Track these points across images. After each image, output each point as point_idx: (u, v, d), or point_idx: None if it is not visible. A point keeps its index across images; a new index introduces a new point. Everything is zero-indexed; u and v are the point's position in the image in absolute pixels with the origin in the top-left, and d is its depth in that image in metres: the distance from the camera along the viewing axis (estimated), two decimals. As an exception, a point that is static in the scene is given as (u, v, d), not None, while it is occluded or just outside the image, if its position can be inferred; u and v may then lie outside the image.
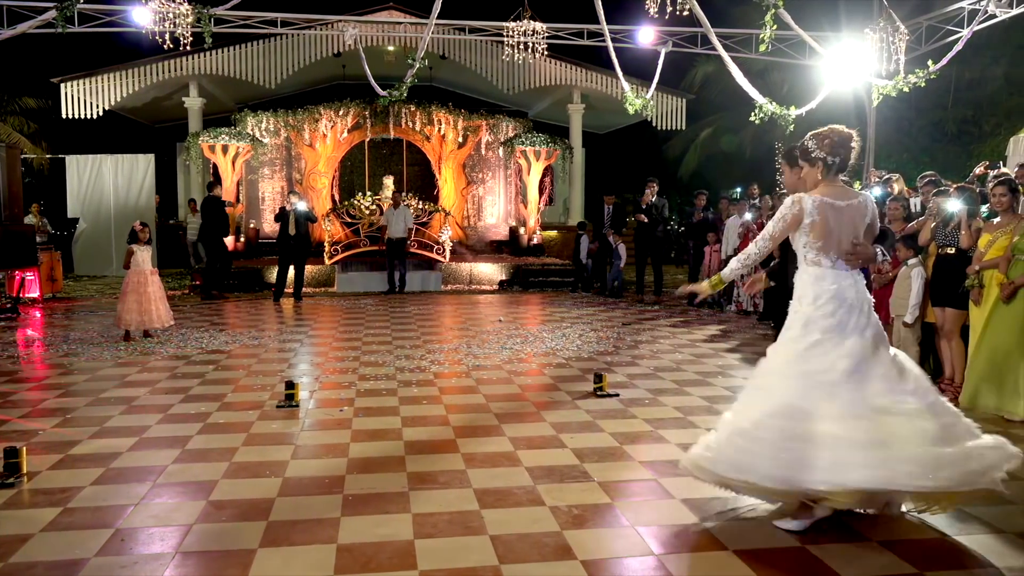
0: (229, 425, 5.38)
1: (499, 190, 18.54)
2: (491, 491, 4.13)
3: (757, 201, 11.98)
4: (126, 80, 16.62)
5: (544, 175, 17.94)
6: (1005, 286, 5.72)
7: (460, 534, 3.59)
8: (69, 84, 16.47)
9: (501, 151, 17.94)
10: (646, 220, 13.20)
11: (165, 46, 10.49)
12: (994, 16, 10.48)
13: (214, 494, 4.08)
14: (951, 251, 6.39)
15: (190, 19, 10.43)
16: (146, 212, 16.24)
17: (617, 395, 6.26)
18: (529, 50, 11.32)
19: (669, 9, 9.42)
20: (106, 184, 16.72)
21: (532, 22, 11.30)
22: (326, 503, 3.97)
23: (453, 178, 17.74)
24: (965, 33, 10.44)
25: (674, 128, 19.07)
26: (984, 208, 6.66)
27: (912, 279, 6.68)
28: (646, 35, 13.18)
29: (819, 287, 3.75)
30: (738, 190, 17.30)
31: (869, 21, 11.49)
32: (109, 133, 20.11)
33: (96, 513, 3.82)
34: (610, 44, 11.75)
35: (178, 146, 19.85)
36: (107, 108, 16.76)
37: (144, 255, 9.01)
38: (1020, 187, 6.23)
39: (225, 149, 16.25)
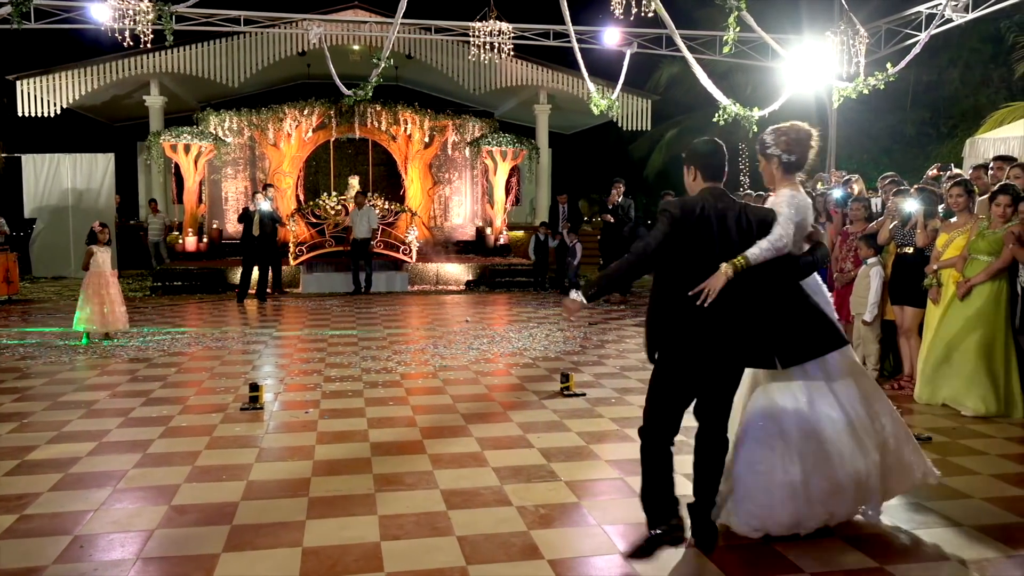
0: (192, 428, 5.31)
1: (465, 190, 18.51)
2: (458, 492, 4.12)
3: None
4: (85, 78, 16.31)
5: (510, 175, 17.96)
6: (961, 284, 5.85)
7: (427, 535, 3.58)
8: (25, 82, 16.12)
9: (467, 151, 17.91)
10: (612, 220, 13.26)
11: (125, 44, 10.30)
12: (951, 20, 10.69)
13: (176, 498, 4.02)
14: (909, 250, 6.51)
15: (151, 16, 10.25)
16: (106, 212, 15.93)
17: (584, 395, 6.28)
18: (495, 50, 11.31)
19: (634, 10, 9.47)
20: (64, 184, 16.35)
21: (498, 22, 11.29)
22: (291, 506, 3.93)
23: (419, 178, 17.67)
24: (922, 36, 10.64)
25: (640, 129, 19.20)
26: (940, 208, 6.79)
27: (871, 278, 6.80)
28: (611, 36, 13.24)
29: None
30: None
31: (830, 24, 11.66)
32: (67, 132, 19.69)
33: (54, 519, 3.75)
34: (576, 45, 11.79)
35: (139, 145, 19.50)
36: (65, 106, 16.43)
37: (104, 256, 8.86)
38: (975, 188, 6.37)
39: (187, 148, 16.00)
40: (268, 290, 13.16)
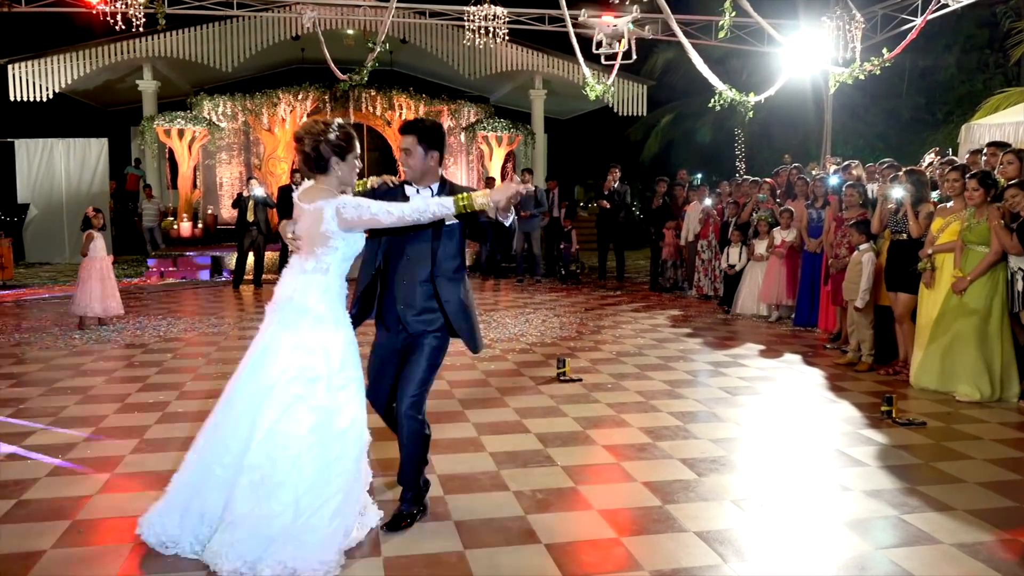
0: (188, 414, 5.31)
1: (461, 176, 18.47)
2: (455, 477, 4.14)
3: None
4: (77, 62, 16.17)
5: (506, 161, 17.92)
6: (958, 282, 5.86)
7: (424, 520, 3.59)
8: (18, 66, 15.98)
9: (463, 136, 17.86)
10: (608, 206, 13.25)
11: (117, 27, 10.24)
12: (947, 5, 10.66)
13: (174, 484, 4.02)
14: (903, 237, 6.52)
15: (143, 0, 10.18)
16: (99, 198, 15.86)
17: (580, 380, 6.30)
18: (490, 35, 11.26)
19: (630, -5, 9.43)
20: (57, 169, 16.28)
21: (493, 7, 11.25)
22: (289, 491, 3.93)
23: (415, 163, 17.61)
24: (918, 22, 10.60)
25: (635, 114, 19.16)
26: (935, 194, 6.80)
27: (863, 264, 6.82)
28: (607, 21, 13.17)
29: None
30: (699, 176, 17.45)
31: (826, 9, 11.62)
32: (60, 116, 19.56)
33: (52, 505, 3.75)
34: (571, 29, 11.73)
35: (132, 130, 19.41)
36: (57, 91, 16.31)
37: (101, 241, 8.84)
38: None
39: (181, 133, 15.92)
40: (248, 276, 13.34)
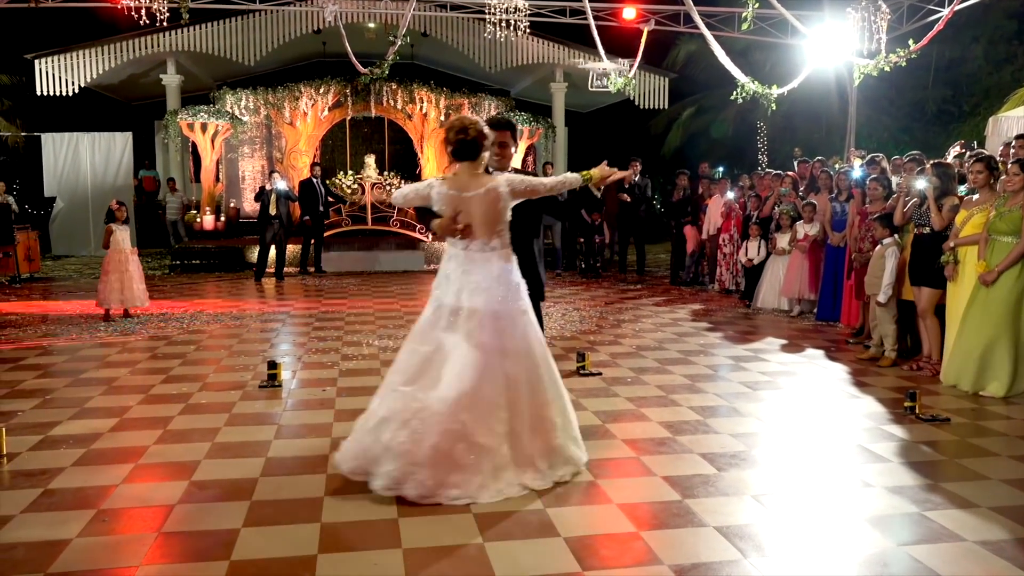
0: (211, 405, 5.36)
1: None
2: (474, 470, 4.14)
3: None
4: (102, 57, 16.32)
5: (527, 154, 17.88)
6: (986, 273, 5.76)
7: (444, 512, 3.60)
8: (43, 61, 16.17)
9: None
10: (628, 199, 13.20)
11: (141, 22, 10.33)
12: (975, -4, 10.51)
13: (196, 474, 4.07)
14: (927, 231, 6.43)
15: (166, -5, 10.27)
16: (124, 191, 16.04)
17: (600, 374, 6.29)
18: (511, 28, 11.24)
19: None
20: (83, 162, 16.48)
21: (514, -1, 11.21)
22: (310, 483, 3.97)
23: (436, 157, 17.62)
24: (946, 12, 10.45)
25: (656, 107, 19.04)
26: (963, 188, 6.71)
27: (886, 258, 6.74)
28: (629, 13, 13.13)
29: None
30: (720, 169, 17.34)
31: (851, 0, 11.49)
32: (85, 111, 19.75)
33: (77, 494, 3.80)
34: (592, 22, 11.70)
35: (156, 124, 19.58)
36: (83, 85, 16.48)
37: (123, 234, 8.94)
38: (1002, 165, 6.27)
39: (204, 127, 16.04)
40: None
